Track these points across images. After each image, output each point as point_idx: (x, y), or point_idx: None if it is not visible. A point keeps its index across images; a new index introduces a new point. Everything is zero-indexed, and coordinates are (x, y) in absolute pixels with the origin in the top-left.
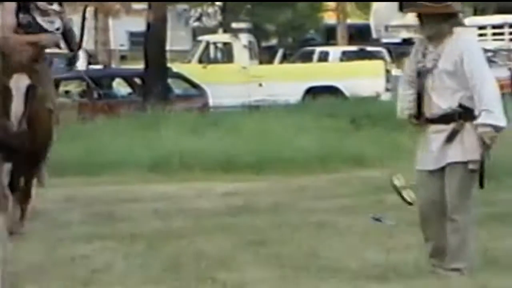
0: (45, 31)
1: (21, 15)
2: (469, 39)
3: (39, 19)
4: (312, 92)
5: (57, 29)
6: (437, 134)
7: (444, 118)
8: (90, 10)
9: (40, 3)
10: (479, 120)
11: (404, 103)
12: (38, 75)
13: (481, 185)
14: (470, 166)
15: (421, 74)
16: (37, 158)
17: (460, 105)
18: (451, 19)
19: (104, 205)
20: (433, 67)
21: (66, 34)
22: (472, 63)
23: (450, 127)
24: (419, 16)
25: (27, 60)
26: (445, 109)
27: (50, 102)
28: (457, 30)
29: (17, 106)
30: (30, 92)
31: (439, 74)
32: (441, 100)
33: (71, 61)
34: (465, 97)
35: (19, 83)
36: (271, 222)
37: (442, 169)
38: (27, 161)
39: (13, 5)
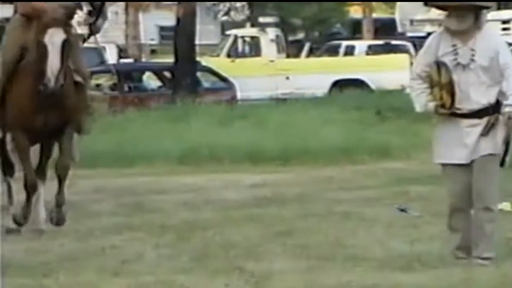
0: None
1: None
2: (499, 34)
3: None
4: (338, 85)
5: None
6: (472, 128)
7: (480, 113)
8: (121, 4)
9: None
10: (507, 101)
11: (424, 97)
12: (73, 32)
13: (502, 164)
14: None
15: (452, 69)
16: (68, 129)
17: (496, 102)
18: (481, 14)
19: (134, 196)
20: (469, 62)
21: None
22: (506, 57)
23: (484, 120)
24: (449, 10)
25: (62, 15)
26: (484, 104)
27: (79, 76)
28: (485, 25)
29: (53, 62)
30: (66, 47)
31: (475, 69)
32: (479, 95)
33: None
34: (498, 91)
35: (54, 38)
36: (298, 213)
37: (471, 161)
38: (56, 136)
39: None
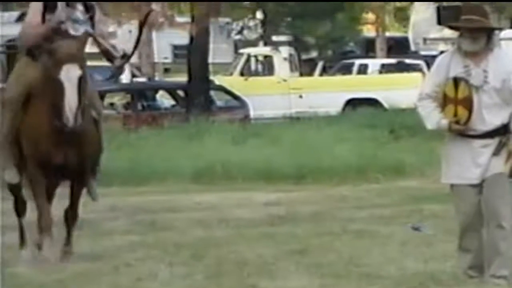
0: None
1: (47, 16)
2: (510, 56)
3: (64, 23)
4: (351, 103)
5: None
6: (484, 148)
7: (493, 133)
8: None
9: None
10: None
11: (437, 114)
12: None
13: None
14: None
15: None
16: (84, 171)
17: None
18: (493, 35)
19: (148, 215)
20: (482, 84)
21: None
22: None
23: (496, 140)
24: (461, 31)
25: (77, 49)
26: (497, 125)
27: (95, 111)
28: (497, 47)
29: (70, 99)
30: (82, 83)
31: (489, 91)
32: (492, 116)
33: (115, 73)
34: (510, 113)
35: (70, 74)
36: (312, 231)
37: (482, 180)
38: (73, 175)
39: (39, 5)
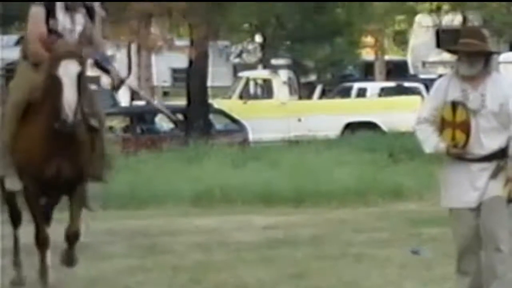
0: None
1: (51, 21)
2: (508, 80)
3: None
4: (350, 127)
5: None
6: (482, 171)
7: (490, 157)
8: (133, 46)
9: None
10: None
11: (435, 138)
12: (87, 63)
13: (510, 200)
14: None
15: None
16: (81, 182)
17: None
18: (491, 59)
19: (147, 238)
20: (480, 108)
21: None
22: None
23: (494, 164)
24: (459, 55)
25: (75, 45)
26: (495, 149)
27: (95, 119)
28: (494, 71)
29: (69, 95)
30: (82, 80)
31: (487, 114)
32: (490, 141)
33: (115, 88)
34: (508, 136)
35: (68, 70)
36: (311, 255)
37: (480, 204)
38: (69, 186)
39: (41, 12)
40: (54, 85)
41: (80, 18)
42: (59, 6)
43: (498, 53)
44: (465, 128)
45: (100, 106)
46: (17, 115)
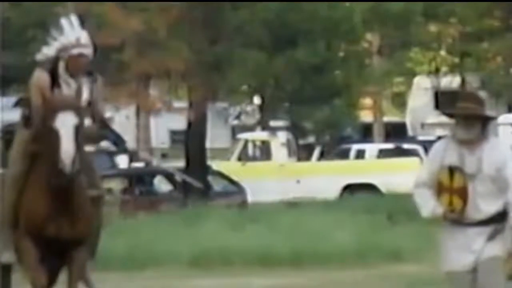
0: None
1: (56, 91)
2: (506, 145)
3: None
4: (349, 189)
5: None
6: (479, 235)
7: (487, 221)
8: (132, 108)
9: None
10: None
11: (432, 202)
12: (83, 115)
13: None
14: None
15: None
16: (80, 247)
17: (503, 210)
18: (488, 124)
19: None
20: (476, 172)
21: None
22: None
23: (491, 227)
24: (456, 119)
25: (71, 97)
26: (492, 213)
27: (95, 188)
28: (491, 136)
29: (67, 146)
30: (79, 131)
31: (483, 179)
32: (487, 205)
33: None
34: (505, 201)
35: (65, 121)
36: None
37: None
38: (68, 250)
39: (45, 80)
40: (51, 137)
41: (80, 86)
42: (63, 72)
43: (495, 118)
44: (463, 194)
45: (98, 176)
46: (17, 187)
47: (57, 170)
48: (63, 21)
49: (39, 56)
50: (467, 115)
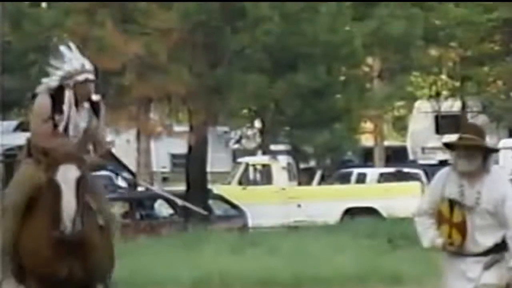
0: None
1: (57, 117)
2: (507, 180)
3: (72, 120)
4: (350, 213)
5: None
6: (476, 264)
7: (485, 252)
8: (132, 132)
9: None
10: (510, 264)
11: (432, 232)
12: (87, 167)
13: None
14: None
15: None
16: (91, 286)
17: (502, 241)
18: (489, 156)
19: None
20: (474, 205)
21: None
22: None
23: (489, 257)
24: (458, 150)
25: (74, 148)
26: (490, 246)
27: (102, 218)
28: (493, 168)
29: (68, 203)
30: (81, 185)
31: (481, 212)
32: (485, 238)
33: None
34: (504, 234)
35: (67, 175)
36: None
37: None
38: None
39: (47, 105)
40: (52, 192)
41: (85, 113)
42: (67, 99)
43: (497, 150)
44: (462, 228)
45: (108, 202)
46: (18, 217)
47: (58, 229)
48: (63, 49)
49: (40, 88)
50: (468, 146)
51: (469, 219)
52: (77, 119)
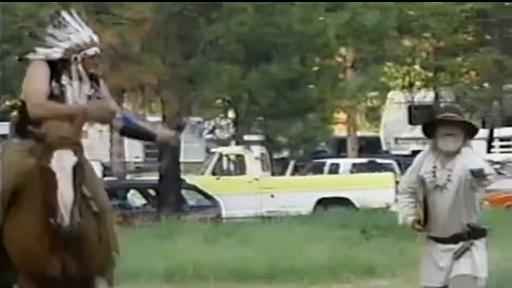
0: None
1: (54, 84)
2: (477, 154)
3: (69, 92)
4: (323, 203)
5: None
6: (446, 252)
7: (455, 238)
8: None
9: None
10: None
11: (406, 210)
12: (84, 152)
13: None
14: (479, 284)
15: (430, 191)
16: (89, 283)
17: (469, 225)
18: (468, 139)
19: None
20: (445, 183)
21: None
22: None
23: (458, 245)
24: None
25: (68, 132)
26: (459, 230)
27: (97, 204)
28: (464, 149)
29: (65, 193)
30: (78, 172)
31: (452, 190)
32: (453, 221)
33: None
34: (473, 216)
35: (62, 162)
36: None
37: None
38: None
39: (44, 69)
40: (47, 182)
41: (86, 89)
42: (74, 74)
43: (477, 129)
44: (424, 206)
45: (103, 190)
46: (4, 206)
47: (55, 222)
48: (67, 17)
49: (36, 56)
50: (455, 122)
51: (439, 200)
52: (78, 94)
